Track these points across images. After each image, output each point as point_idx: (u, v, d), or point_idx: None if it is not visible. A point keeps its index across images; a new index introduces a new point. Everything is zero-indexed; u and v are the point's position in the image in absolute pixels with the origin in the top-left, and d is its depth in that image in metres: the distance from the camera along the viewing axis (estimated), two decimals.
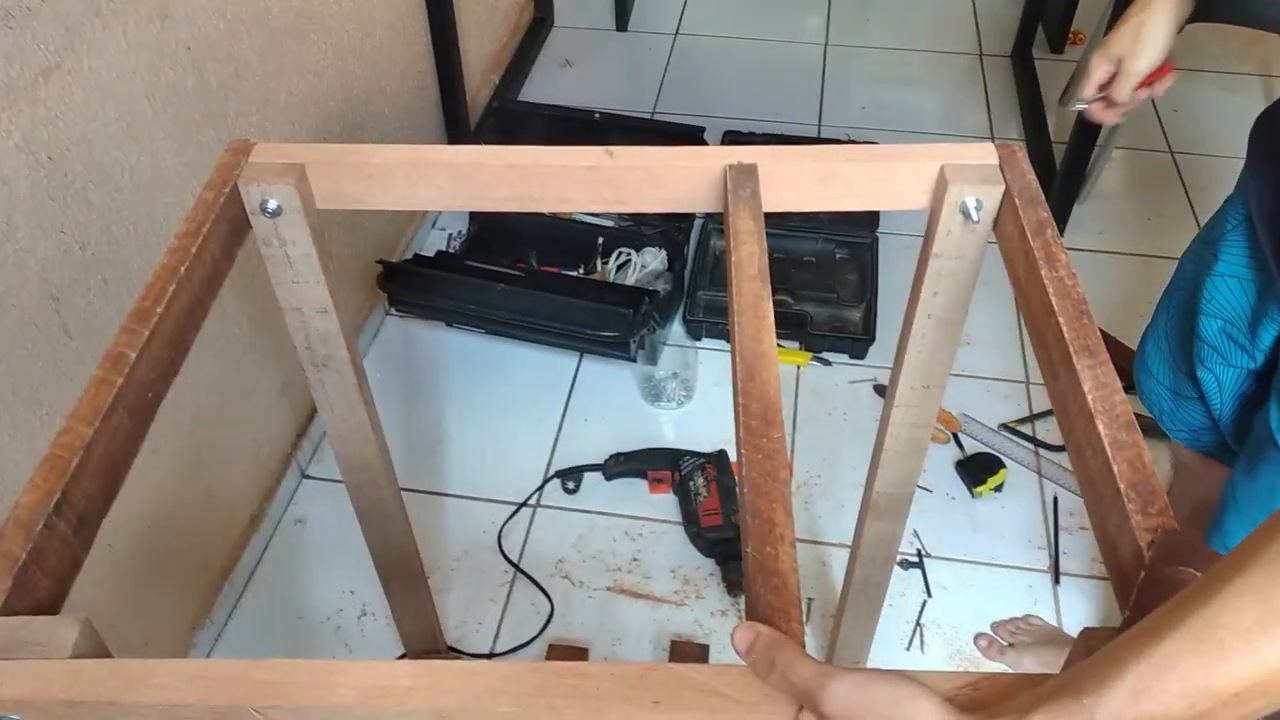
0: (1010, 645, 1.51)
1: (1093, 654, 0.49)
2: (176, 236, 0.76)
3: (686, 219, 2.06)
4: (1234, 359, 1.08)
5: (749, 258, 0.76)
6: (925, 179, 0.80)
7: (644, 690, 0.54)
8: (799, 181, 0.82)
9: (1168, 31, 1.00)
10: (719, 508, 1.63)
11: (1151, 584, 0.55)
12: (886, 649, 1.52)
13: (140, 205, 1.23)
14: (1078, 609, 1.57)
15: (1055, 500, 1.71)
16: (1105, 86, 1.05)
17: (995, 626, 1.55)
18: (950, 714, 0.48)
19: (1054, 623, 1.55)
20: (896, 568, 1.61)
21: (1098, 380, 0.64)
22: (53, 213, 1.09)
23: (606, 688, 0.54)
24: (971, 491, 1.71)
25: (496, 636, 1.53)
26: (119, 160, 1.18)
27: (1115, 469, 0.60)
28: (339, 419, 0.99)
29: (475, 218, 2.14)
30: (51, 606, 0.62)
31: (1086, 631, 0.56)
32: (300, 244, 0.84)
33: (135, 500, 1.29)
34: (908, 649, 1.53)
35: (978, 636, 1.54)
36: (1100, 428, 0.61)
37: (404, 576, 1.23)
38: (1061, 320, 0.68)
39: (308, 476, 1.74)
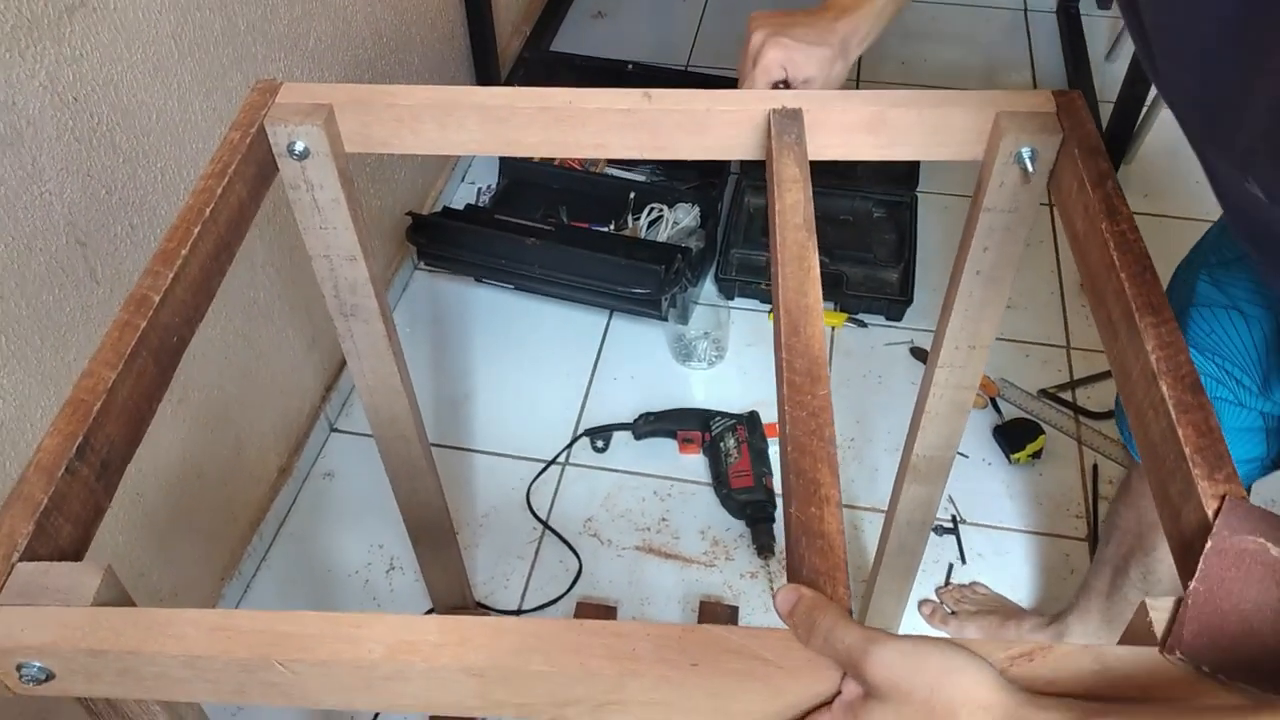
0: (954, 613, 1.48)
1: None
2: (202, 178, 0.74)
3: (721, 174, 2.01)
4: (1246, 401, 0.92)
5: (794, 206, 0.73)
6: (979, 127, 0.76)
7: (681, 652, 0.52)
8: (846, 128, 0.78)
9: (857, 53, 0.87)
10: (750, 469, 1.60)
11: (1218, 554, 0.52)
12: (916, 616, 1.49)
13: (167, 149, 1.21)
14: None
15: (1095, 468, 1.67)
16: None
17: (940, 592, 1.52)
18: (1004, 689, 0.45)
19: None
20: (931, 533, 1.58)
21: (1161, 339, 0.61)
22: (79, 155, 1.07)
23: (643, 649, 0.52)
24: (1009, 458, 1.68)
25: (524, 593, 1.52)
26: (145, 103, 1.16)
27: (1180, 432, 0.56)
28: (368, 370, 0.97)
29: (505, 171, 2.10)
30: (75, 553, 0.61)
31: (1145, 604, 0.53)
32: (328, 188, 0.81)
33: (164, 450, 1.29)
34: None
35: (922, 603, 1.51)
36: (1164, 389, 0.58)
37: (433, 532, 1.22)
38: (1123, 276, 0.64)
39: (336, 430, 1.73)
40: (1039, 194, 0.78)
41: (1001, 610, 1.48)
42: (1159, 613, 0.52)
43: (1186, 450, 0.56)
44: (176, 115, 1.22)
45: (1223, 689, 0.49)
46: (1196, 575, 0.51)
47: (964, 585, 1.53)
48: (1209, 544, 0.52)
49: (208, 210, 0.71)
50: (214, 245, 0.73)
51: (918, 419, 1.04)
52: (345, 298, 0.90)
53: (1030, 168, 0.75)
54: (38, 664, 0.53)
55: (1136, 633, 0.53)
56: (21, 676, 0.53)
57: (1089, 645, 0.51)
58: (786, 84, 0.85)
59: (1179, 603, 0.51)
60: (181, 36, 1.21)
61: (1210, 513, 0.54)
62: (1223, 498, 0.54)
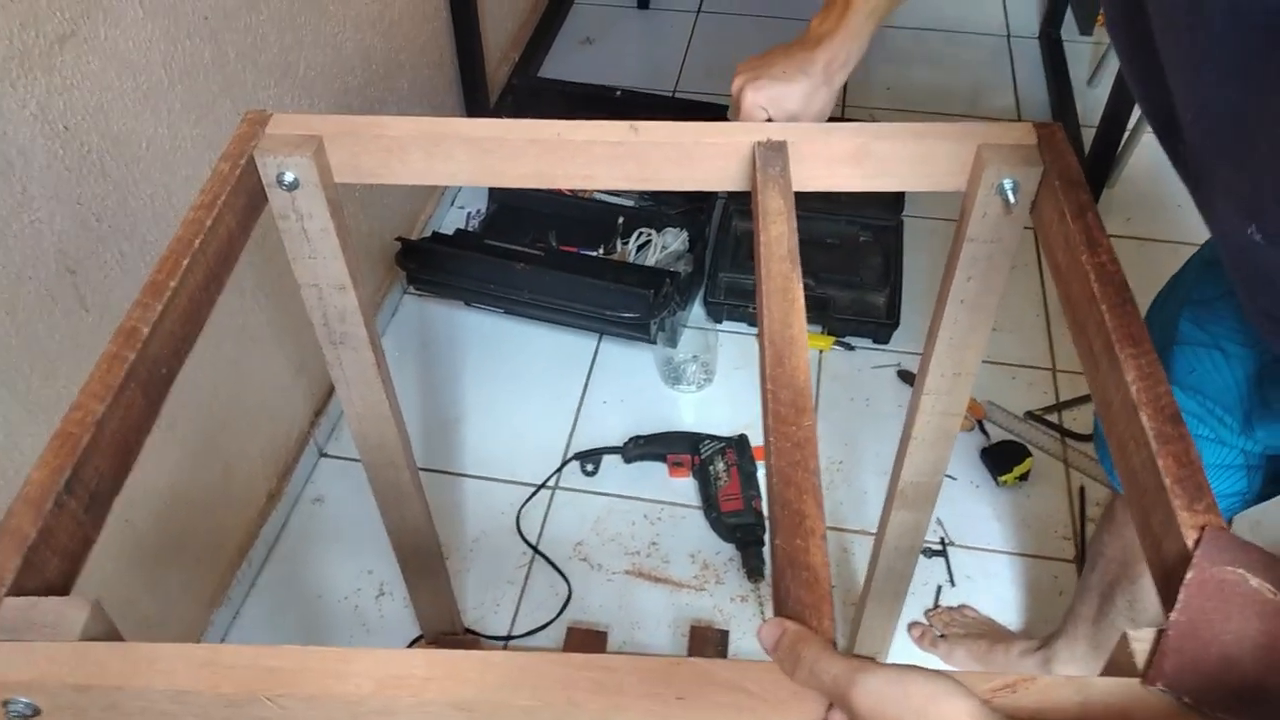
0: (943, 636, 1.49)
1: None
2: (192, 209, 0.74)
3: (708, 199, 2.03)
4: (1227, 439, 0.92)
5: (778, 238, 0.74)
6: (962, 159, 0.77)
7: (668, 686, 0.52)
8: (830, 160, 0.79)
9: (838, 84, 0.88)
10: (739, 492, 1.61)
11: (1198, 584, 0.52)
12: (904, 635, 1.50)
13: (157, 177, 1.22)
14: None
15: (1082, 490, 1.68)
16: None
17: (930, 615, 1.53)
18: (988, 717, 0.46)
19: None
20: (920, 556, 1.58)
21: (1141, 371, 0.61)
22: (69, 184, 1.08)
23: (629, 682, 0.52)
24: (996, 480, 1.68)
25: (515, 618, 1.52)
26: (136, 131, 1.17)
27: (1160, 463, 0.57)
28: (357, 398, 0.98)
29: (494, 196, 2.12)
30: (62, 586, 0.61)
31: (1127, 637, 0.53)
32: (318, 218, 0.82)
33: (153, 477, 1.28)
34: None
35: (911, 625, 1.51)
36: (1144, 420, 0.59)
37: (421, 557, 1.22)
38: (1104, 307, 0.65)
39: (325, 455, 1.73)
40: (1021, 224, 0.79)
41: (990, 634, 1.48)
42: (1140, 644, 0.52)
43: (1167, 481, 0.57)
44: (166, 143, 1.23)
45: None
46: (1177, 606, 0.52)
47: (953, 608, 1.53)
48: (1189, 574, 0.53)
49: (197, 241, 0.72)
50: (203, 276, 0.74)
51: (905, 445, 1.05)
52: (334, 326, 0.91)
53: (1012, 199, 0.76)
54: (24, 700, 0.53)
55: (1118, 664, 0.54)
56: (8, 712, 0.53)
57: (1072, 677, 0.51)
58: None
59: (1160, 634, 0.51)
60: (171, 65, 1.21)
61: (1190, 543, 0.54)
62: (1202, 528, 0.54)
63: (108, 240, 1.15)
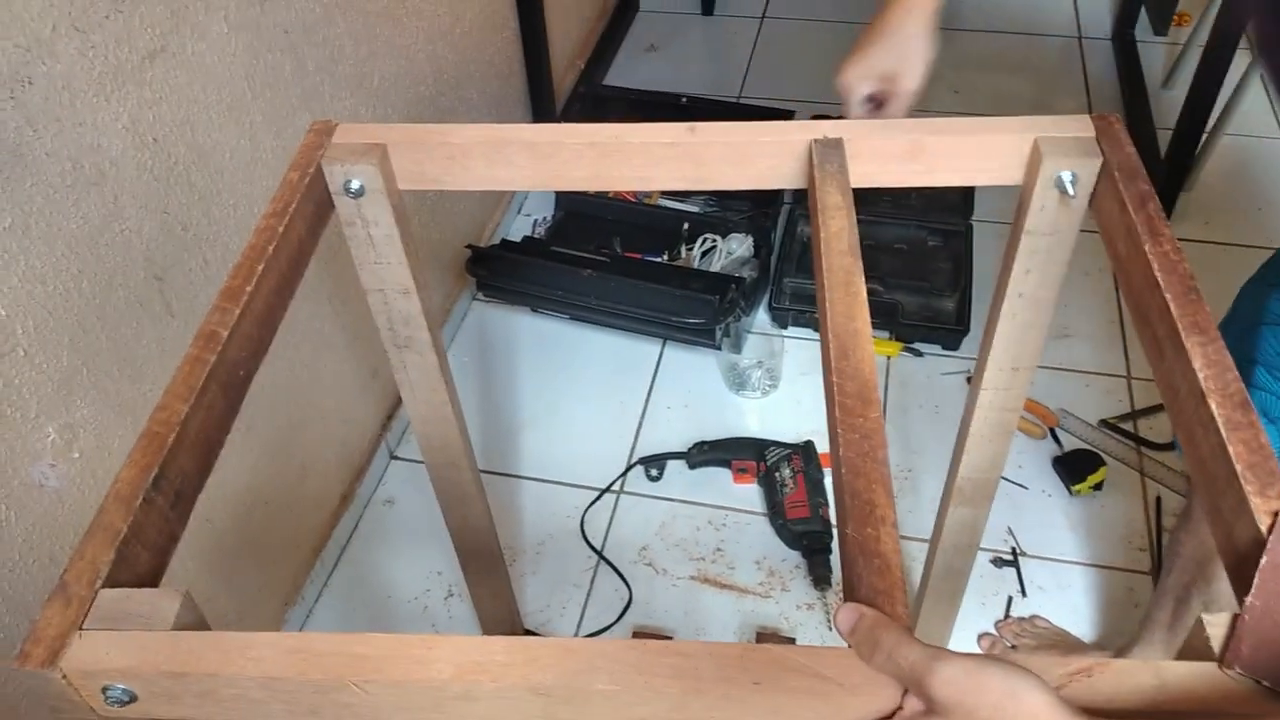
0: (1013, 647, 1.45)
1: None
2: (263, 217, 0.77)
3: (774, 204, 2.03)
4: None
5: (838, 233, 0.74)
6: (1018, 152, 0.77)
7: (743, 671, 0.53)
8: (886, 156, 0.79)
9: (931, 38, 0.92)
10: (805, 499, 1.60)
11: (1273, 569, 0.52)
12: (978, 648, 1.47)
13: (239, 187, 1.26)
14: None
15: (1158, 500, 1.64)
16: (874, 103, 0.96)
17: (1000, 626, 1.49)
18: (1062, 712, 0.45)
19: None
20: (991, 565, 1.56)
21: (1209, 358, 0.61)
22: (157, 194, 1.13)
23: (705, 667, 0.53)
24: (1069, 489, 1.65)
25: (580, 622, 1.54)
26: (219, 143, 1.22)
27: (1231, 450, 0.57)
28: (420, 401, 1.00)
29: (561, 204, 2.15)
30: (151, 579, 0.63)
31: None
32: (383, 224, 0.85)
33: (231, 477, 1.33)
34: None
35: (981, 636, 1.48)
36: (1213, 407, 0.58)
37: (482, 558, 1.24)
38: (1168, 296, 0.64)
39: (396, 457, 1.77)
40: (1080, 217, 0.78)
41: (1062, 644, 1.45)
42: (1216, 628, 0.52)
43: (1238, 468, 0.56)
44: (248, 154, 1.27)
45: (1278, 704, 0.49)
46: (1252, 590, 0.51)
47: (1024, 619, 1.51)
48: (1264, 559, 0.52)
49: (270, 248, 0.75)
50: (276, 281, 0.77)
51: (962, 441, 1.05)
52: (399, 330, 0.93)
53: (1071, 191, 0.75)
54: (121, 686, 0.55)
55: (1194, 649, 0.54)
56: (106, 699, 0.55)
57: (1148, 661, 0.51)
58: (879, 99, 0.91)
59: (1236, 618, 0.51)
60: (254, 78, 1.26)
61: (1264, 529, 0.54)
62: (1275, 514, 0.54)
63: (192, 248, 1.20)
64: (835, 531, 1.59)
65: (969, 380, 1.83)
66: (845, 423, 0.65)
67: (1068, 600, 1.53)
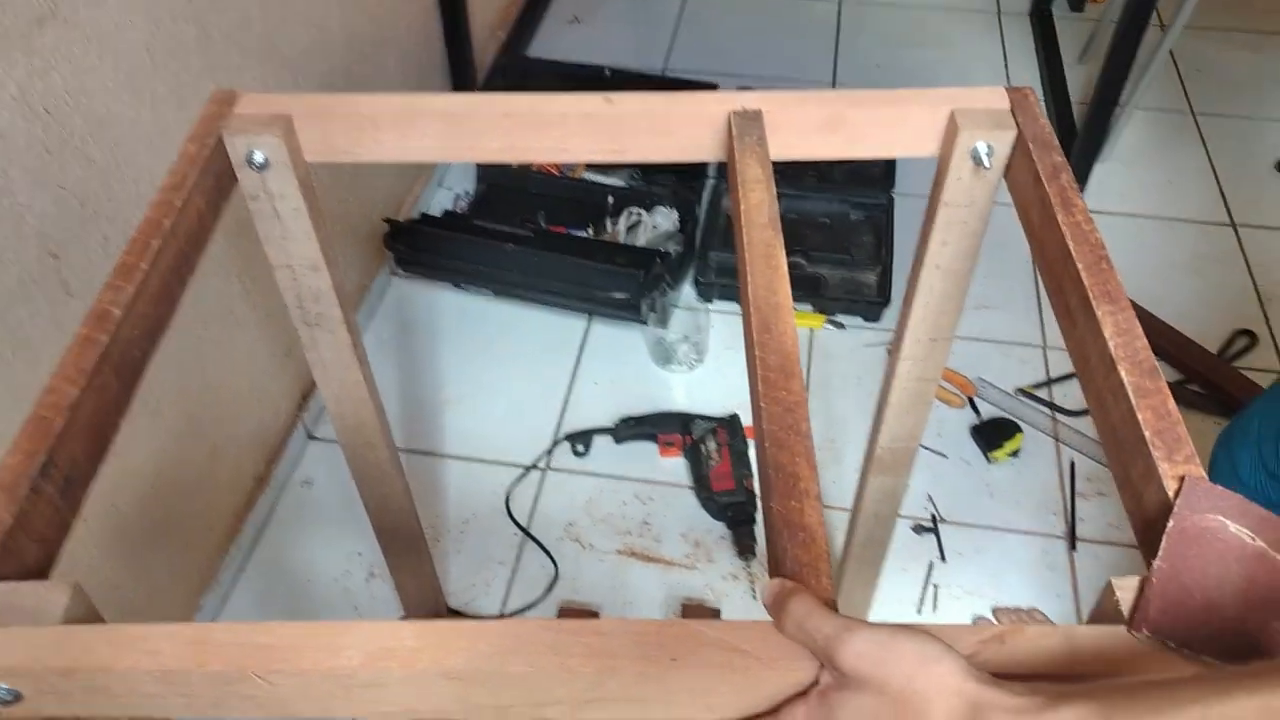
0: None
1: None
2: (160, 190, 0.74)
3: (698, 178, 2.02)
4: None
5: (758, 206, 0.74)
6: (935, 124, 0.77)
7: (660, 647, 0.52)
8: (805, 128, 0.79)
9: None
10: (731, 472, 1.61)
11: (1180, 532, 0.53)
12: (898, 610, 1.50)
13: (141, 160, 1.21)
14: (1093, 575, 1.55)
15: (1073, 466, 1.68)
16: None
17: (997, 613, 1.52)
18: (973, 679, 0.45)
19: (1069, 589, 1.53)
20: (911, 532, 1.59)
21: (1119, 326, 0.62)
22: (51, 167, 1.07)
23: (622, 645, 0.52)
24: (987, 457, 1.68)
25: (505, 600, 1.52)
26: (118, 114, 1.16)
27: (1140, 416, 0.58)
28: (333, 380, 0.97)
29: (483, 177, 2.11)
30: (40, 571, 0.60)
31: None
32: (289, 198, 0.81)
33: (137, 461, 1.28)
34: (919, 610, 1.51)
35: (978, 620, 1.51)
36: (1123, 374, 0.59)
37: (402, 539, 1.22)
38: (1080, 266, 0.65)
39: (314, 438, 1.73)
40: (994, 189, 0.79)
41: None
42: (1125, 591, 0.53)
43: (1146, 433, 0.57)
44: (150, 126, 1.22)
45: (1188, 663, 0.50)
46: (1160, 554, 0.52)
47: (1022, 610, 1.52)
48: (1171, 523, 0.53)
49: (167, 223, 0.72)
50: (174, 258, 0.73)
51: (882, 411, 1.06)
52: (309, 307, 0.90)
53: (986, 163, 0.76)
54: (4, 685, 0.53)
55: (1104, 612, 0.55)
56: None
57: (1059, 626, 0.52)
58: None
59: (1144, 582, 0.52)
60: (154, 47, 1.21)
61: (1171, 493, 0.55)
62: (1182, 478, 0.55)
63: (91, 224, 1.15)
64: (760, 503, 1.61)
65: (889, 351, 1.85)
66: (768, 396, 0.64)
67: (986, 565, 1.56)
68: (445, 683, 0.53)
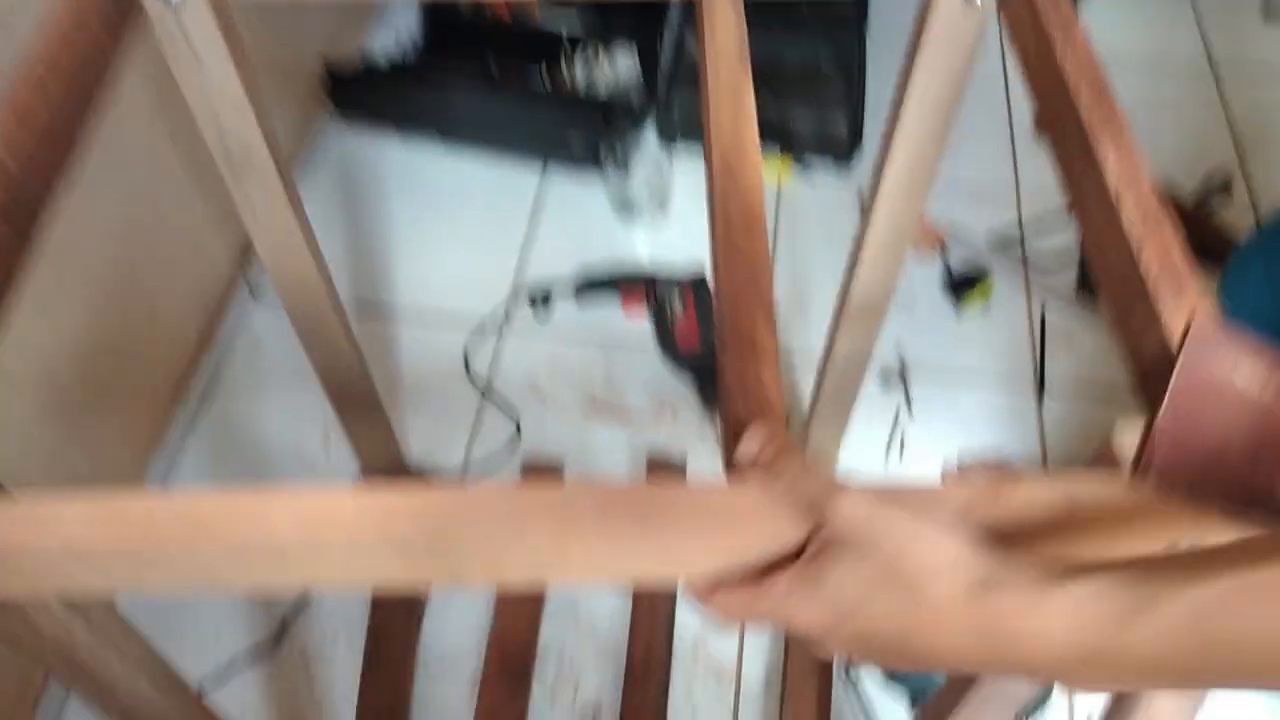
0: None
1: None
2: (52, 20, 0.65)
3: (660, 18, 1.90)
4: None
5: (726, 42, 0.66)
6: None
7: (629, 510, 0.48)
8: None
9: None
10: (696, 329, 1.56)
11: (1186, 377, 0.49)
12: (864, 462, 1.49)
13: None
14: (1060, 427, 1.54)
15: (1043, 315, 1.65)
16: None
17: (963, 459, 1.50)
18: (979, 552, 0.41)
19: (1036, 441, 1.52)
20: (876, 386, 1.57)
21: (1120, 164, 0.56)
22: None
23: (585, 509, 0.48)
24: (957, 306, 1.65)
25: (467, 459, 1.49)
26: None
27: (1141, 258, 0.53)
28: (267, 235, 0.90)
29: (429, 18, 1.97)
30: None
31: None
32: (207, 38, 0.72)
33: (70, 324, 1.21)
34: (885, 461, 1.50)
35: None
36: (1123, 215, 0.54)
37: (355, 400, 1.17)
38: (1082, 101, 0.59)
39: (258, 295, 1.65)
40: (984, 23, 0.71)
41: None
42: (1127, 440, 0.50)
43: (1148, 276, 0.53)
44: None
45: (1192, 516, 0.48)
46: (1165, 400, 0.49)
47: (988, 456, 1.50)
48: (1177, 368, 0.50)
49: (60, 55, 0.63)
50: (73, 97, 0.65)
51: (855, 260, 1.01)
52: (236, 156, 0.82)
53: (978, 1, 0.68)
54: None
55: (1106, 461, 0.52)
56: None
57: (1056, 477, 0.49)
58: None
59: (1146, 431, 0.49)
60: None
61: (1175, 339, 0.51)
62: (1188, 323, 0.51)
63: None
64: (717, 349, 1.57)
65: (861, 198, 1.79)
66: (728, 248, 0.59)
67: (954, 416, 1.55)
68: (391, 552, 0.49)
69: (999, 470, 1.47)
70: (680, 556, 0.50)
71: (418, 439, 1.50)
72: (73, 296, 1.21)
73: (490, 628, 1.30)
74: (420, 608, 1.33)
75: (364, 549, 0.49)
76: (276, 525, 0.48)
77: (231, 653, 1.30)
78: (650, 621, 1.29)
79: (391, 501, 0.49)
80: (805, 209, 1.79)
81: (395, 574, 0.51)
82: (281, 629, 1.32)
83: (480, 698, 1.23)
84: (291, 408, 1.52)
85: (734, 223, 0.60)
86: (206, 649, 1.30)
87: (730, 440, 0.52)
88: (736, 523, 0.48)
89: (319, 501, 0.49)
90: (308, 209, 0.91)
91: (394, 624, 1.28)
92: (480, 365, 1.58)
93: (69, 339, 1.21)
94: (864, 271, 1.03)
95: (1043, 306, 1.66)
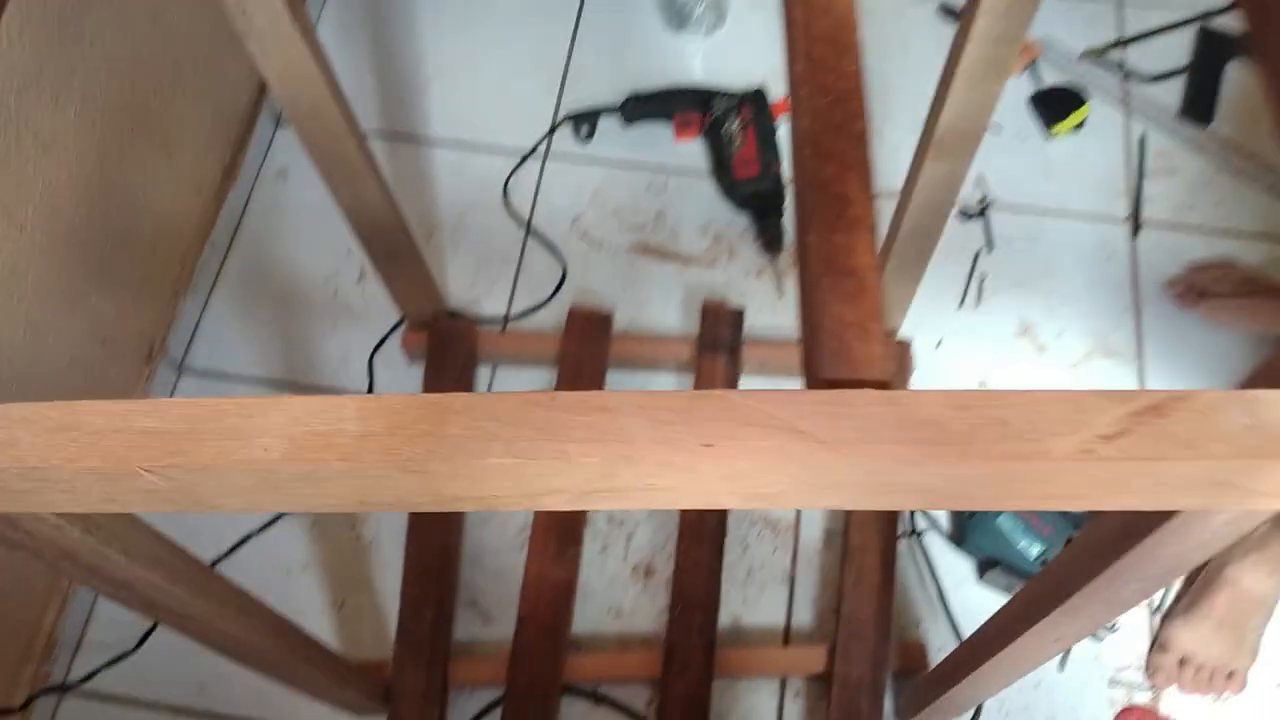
0: (1203, 296, 1.34)
1: None
2: None
3: None
4: None
5: None
6: None
7: (689, 429, 0.38)
8: None
9: None
10: (756, 156, 1.42)
11: None
12: (938, 306, 1.37)
13: None
14: (1155, 264, 1.40)
15: (1143, 140, 1.48)
16: None
17: (1193, 270, 1.37)
18: None
19: (1128, 279, 1.39)
20: (953, 218, 1.43)
21: None
22: None
23: (636, 427, 0.39)
24: (1047, 130, 1.48)
25: (511, 301, 1.40)
26: None
27: None
28: (272, 55, 0.78)
29: None
30: None
31: None
32: None
33: (77, 163, 1.11)
34: (960, 306, 1.38)
35: (1170, 283, 1.37)
36: None
37: (387, 241, 1.07)
38: None
39: (286, 121, 1.53)
40: None
41: (1258, 288, 1.32)
42: None
43: None
44: None
45: None
46: None
47: (1214, 262, 1.37)
48: None
49: None
50: None
51: (947, 81, 0.87)
52: None
53: None
54: None
55: None
56: None
57: (1238, 393, 0.38)
58: None
59: None
60: None
61: None
62: None
63: None
64: (789, 190, 1.43)
65: (941, 9, 1.60)
66: (812, 81, 0.46)
67: (1038, 254, 1.41)
68: (403, 476, 0.40)
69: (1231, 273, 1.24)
70: (750, 480, 0.40)
71: (457, 279, 1.41)
72: (72, 129, 1.10)
73: None
74: None
75: (371, 474, 0.40)
76: (262, 445, 0.40)
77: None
78: None
79: (399, 417, 0.40)
80: (878, 18, 1.60)
81: (411, 498, 0.42)
82: None
83: (530, 549, 1.19)
84: (324, 243, 1.43)
85: (821, 47, 0.48)
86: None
87: (815, 338, 0.42)
88: (819, 445, 0.38)
89: (314, 414, 0.40)
90: (327, 31, 0.79)
91: None
92: (522, 199, 1.47)
93: (74, 176, 1.11)
94: (956, 98, 0.89)
95: (1143, 132, 1.49)
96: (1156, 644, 1.17)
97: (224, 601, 0.69)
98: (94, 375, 1.19)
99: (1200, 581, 1.16)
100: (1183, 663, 1.14)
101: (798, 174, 0.46)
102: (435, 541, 1.18)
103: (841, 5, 0.50)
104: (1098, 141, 1.49)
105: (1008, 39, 0.83)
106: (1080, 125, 1.48)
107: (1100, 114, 1.50)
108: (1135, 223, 1.42)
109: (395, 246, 1.11)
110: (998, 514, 1.20)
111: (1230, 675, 1.13)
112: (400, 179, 1.47)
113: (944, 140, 0.95)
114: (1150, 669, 1.17)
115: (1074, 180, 1.46)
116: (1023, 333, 1.36)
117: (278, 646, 0.79)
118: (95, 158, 1.14)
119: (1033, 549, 1.18)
